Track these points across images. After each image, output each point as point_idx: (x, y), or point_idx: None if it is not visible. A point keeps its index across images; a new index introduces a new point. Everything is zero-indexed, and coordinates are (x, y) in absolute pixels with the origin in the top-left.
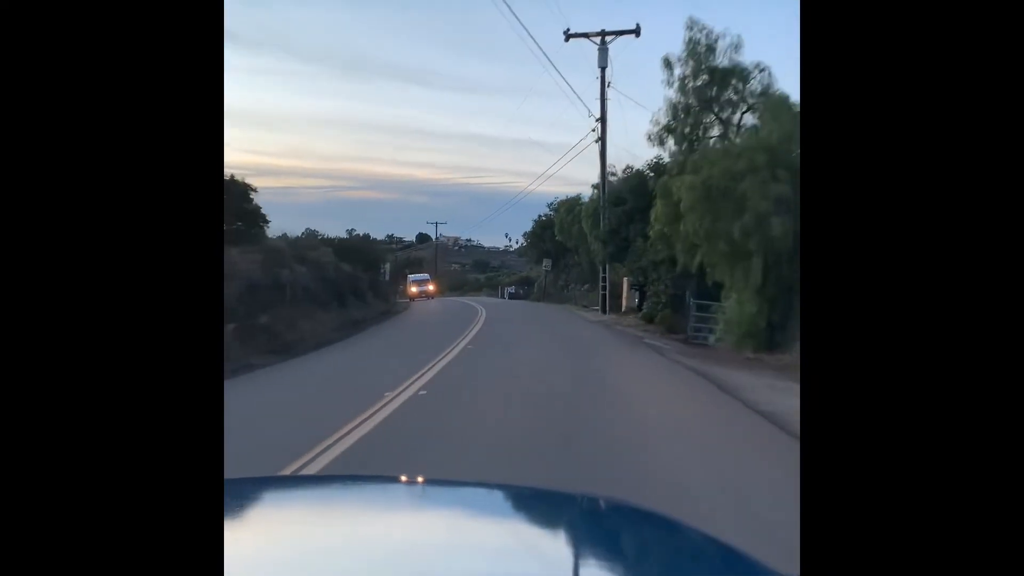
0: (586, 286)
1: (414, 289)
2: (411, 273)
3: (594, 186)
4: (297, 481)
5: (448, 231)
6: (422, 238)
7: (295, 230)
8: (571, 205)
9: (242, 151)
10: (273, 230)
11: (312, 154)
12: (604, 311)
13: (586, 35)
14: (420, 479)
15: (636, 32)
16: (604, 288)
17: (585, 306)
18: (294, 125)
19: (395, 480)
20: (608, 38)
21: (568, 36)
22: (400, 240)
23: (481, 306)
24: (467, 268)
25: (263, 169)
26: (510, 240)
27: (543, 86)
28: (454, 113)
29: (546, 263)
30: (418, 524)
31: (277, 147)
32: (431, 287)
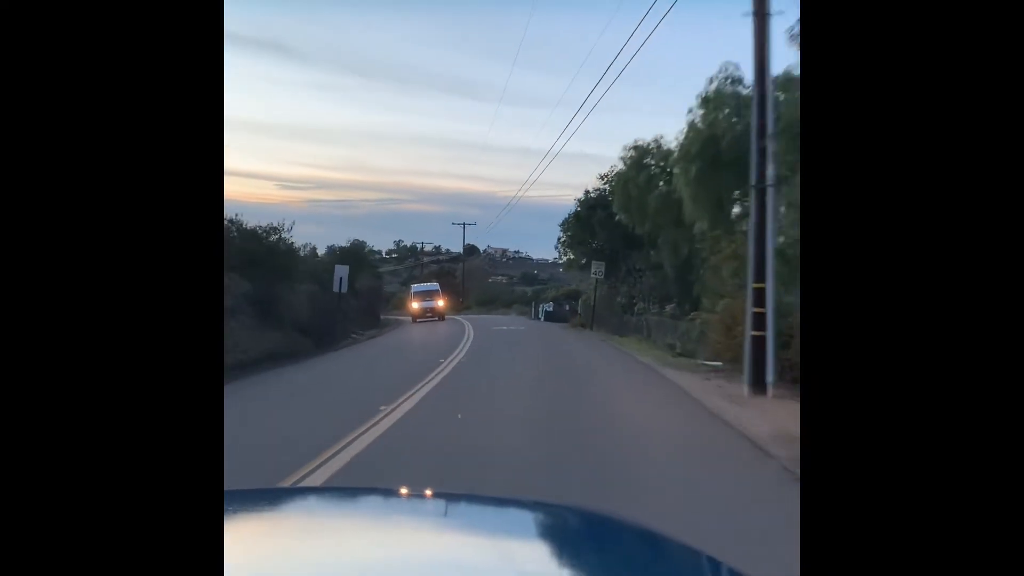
0: (670, 306)
1: (416, 305)
2: (415, 284)
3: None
4: (291, 493)
5: (498, 243)
6: (470, 250)
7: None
8: (641, 155)
9: (300, 165)
10: (324, 241)
11: (366, 167)
12: (758, 383)
13: None
14: (410, 491)
15: None
16: (760, 318)
17: (681, 353)
18: (349, 138)
19: (393, 493)
20: None
21: None
22: (448, 251)
23: (474, 339)
24: (514, 281)
25: (319, 182)
26: (559, 252)
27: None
28: (509, 126)
29: (596, 269)
30: (408, 538)
31: (332, 160)
32: (440, 302)
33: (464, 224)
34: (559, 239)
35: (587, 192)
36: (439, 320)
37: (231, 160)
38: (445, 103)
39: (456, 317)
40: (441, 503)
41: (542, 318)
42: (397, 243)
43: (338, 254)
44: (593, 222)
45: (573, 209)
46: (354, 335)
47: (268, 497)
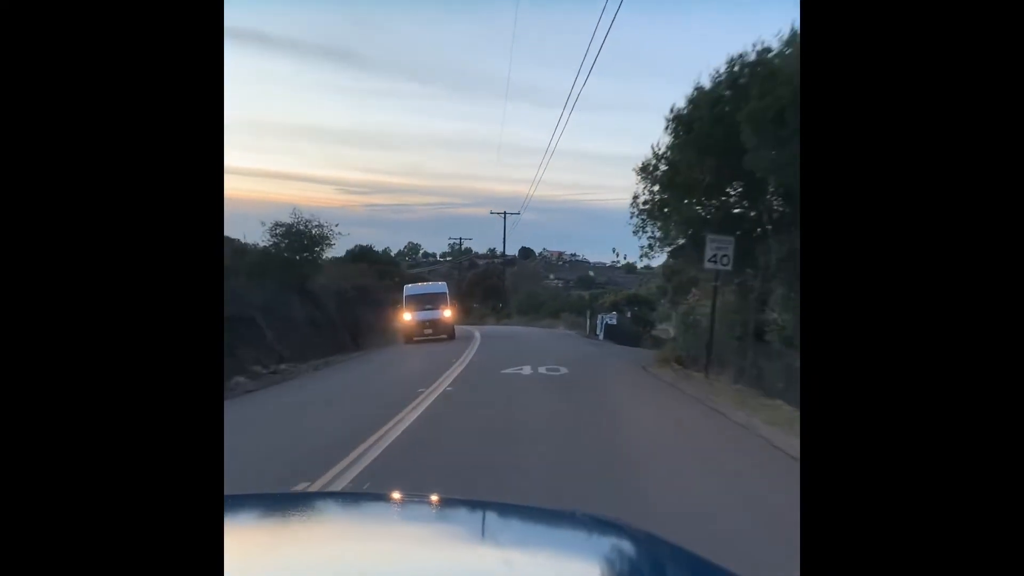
0: None
1: (410, 316)
2: (409, 285)
3: None
4: (292, 498)
5: (554, 246)
6: (525, 252)
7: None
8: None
9: (359, 170)
10: (379, 244)
11: (422, 172)
12: None
13: None
14: (413, 496)
15: None
16: None
17: None
18: (407, 143)
19: (396, 498)
20: None
21: None
22: (503, 254)
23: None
24: (570, 284)
25: (378, 187)
26: (617, 255)
27: (655, 102)
28: (566, 131)
29: (717, 249)
30: (408, 544)
31: (391, 165)
32: (446, 312)
33: (504, 213)
34: (633, 209)
35: (674, 112)
36: (447, 339)
37: (294, 164)
38: (504, 107)
39: (480, 329)
40: (446, 509)
41: (600, 335)
42: (451, 245)
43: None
44: (674, 180)
45: (665, 143)
46: (259, 370)
47: (268, 502)
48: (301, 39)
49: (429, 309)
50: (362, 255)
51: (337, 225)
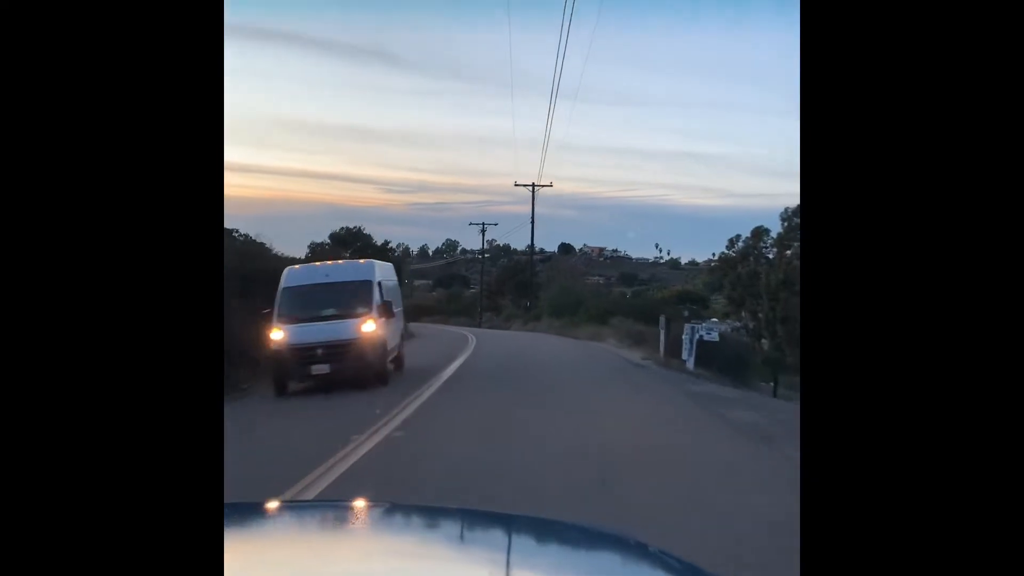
0: None
1: (282, 336)
2: (292, 268)
3: None
4: (291, 507)
5: (595, 242)
6: (565, 248)
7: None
8: None
9: (404, 169)
10: (417, 242)
11: (464, 170)
12: None
13: None
14: (410, 506)
15: None
16: None
17: None
18: (449, 142)
19: (393, 507)
20: None
21: None
22: (541, 251)
23: None
24: (612, 281)
25: (421, 185)
26: (660, 251)
27: (702, 95)
28: (603, 126)
29: None
30: (404, 554)
31: (433, 164)
32: (369, 327)
33: (533, 184)
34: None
35: None
36: (376, 382)
37: (338, 165)
38: (545, 106)
39: (483, 339)
40: (440, 518)
41: (689, 360)
42: (490, 242)
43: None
44: None
45: None
46: None
47: (268, 511)
48: (342, 40)
49: (330, 320)
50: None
51: None
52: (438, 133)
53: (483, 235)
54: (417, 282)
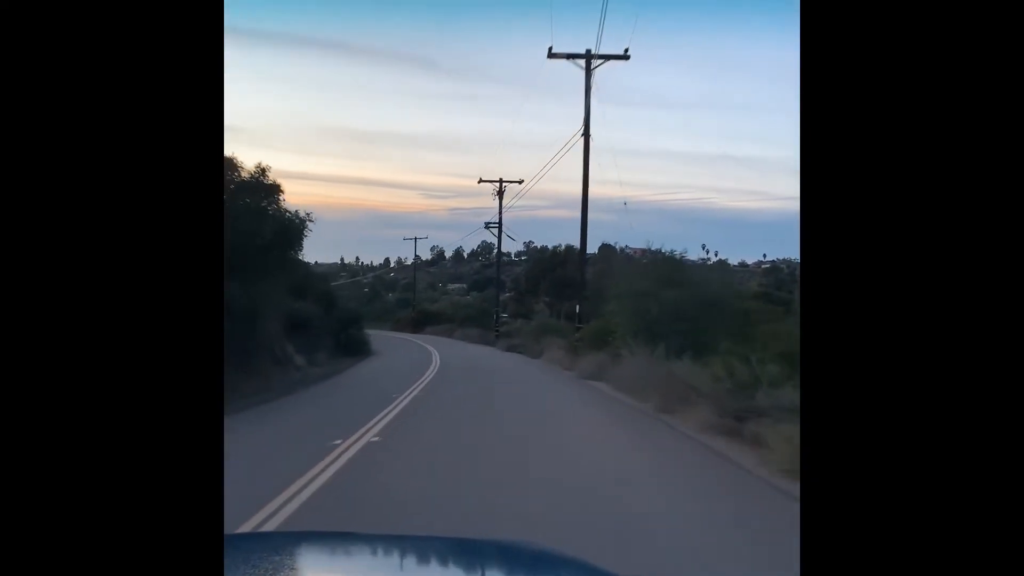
0: None
1: None
2: None
3: None
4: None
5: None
6: (605, 249)
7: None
8: None
9: (442, 174)
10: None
11: (504, 174)
12: None
13: None
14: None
15: None
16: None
17: None
18: (488, 147)
19: (384, 537)
20: None
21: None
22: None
23: None
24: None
25: (459, 191)
26: (707, 252)
27: (739, 97)
28: (646, 129)
29: None
30: None
31: (472, 169)
32: None
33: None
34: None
35: None
36: None
37: (377, 171)
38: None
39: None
40: (448, 547)
41: None
42: (526, 244)
43: None
44: None
45: None
46: None
47: (268, 542)
48: (379, 47)
49: None
50: None
51: None
52: (478, 138)
53: (499, 199)
54: (451, 286)
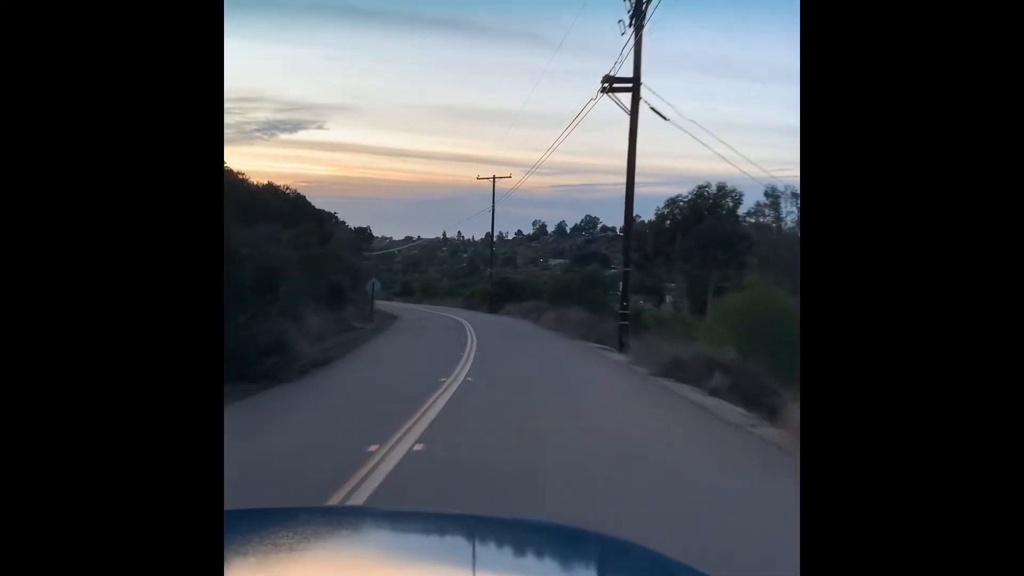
0: None
1: None
2: None
3: None
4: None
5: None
6: (771, 196)
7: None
8: None
9: (545, 151)
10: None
11: (610, 151)
12: None
13: None
14: (416, 512)
15: None
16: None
17: None
18: (592, 123)
19: (396, 513)
20: None
21: None
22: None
23: None
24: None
25: (565, 167)
26: None
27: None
28: (689, 99)
29: None
30: (405, 561)
31: (578, 145)
32: None
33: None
34: None
35: None
36: None
37: (486, 149)
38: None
39: None
40: (445, 523)
41: None
42: (636, 217)
43: None
44: None
45: None
46: None
47: (269, 518)
48: (492, 24)
49: None
50: None
51: None
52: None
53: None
54: (553, 261)
